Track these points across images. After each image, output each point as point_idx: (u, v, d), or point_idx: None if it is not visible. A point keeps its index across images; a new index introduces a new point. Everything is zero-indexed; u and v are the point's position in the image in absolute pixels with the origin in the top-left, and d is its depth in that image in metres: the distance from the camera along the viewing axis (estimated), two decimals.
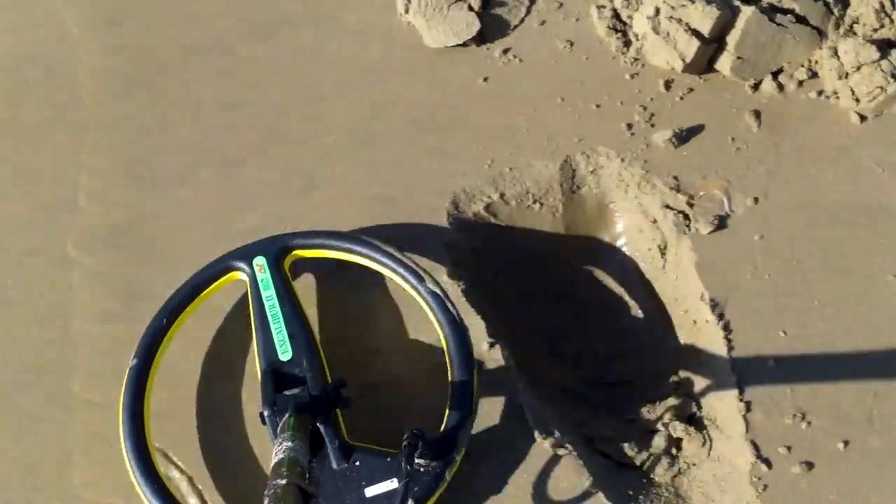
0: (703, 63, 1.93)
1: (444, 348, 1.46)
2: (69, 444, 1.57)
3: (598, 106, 1.91)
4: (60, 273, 1.80)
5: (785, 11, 1.91)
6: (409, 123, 1.95)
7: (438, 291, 1.50)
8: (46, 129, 2.08)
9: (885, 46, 1.87)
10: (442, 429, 1.35)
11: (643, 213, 1.82)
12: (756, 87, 1.92)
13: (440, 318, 1.48)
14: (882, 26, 1.92)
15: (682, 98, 1.92)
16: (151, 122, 2.04)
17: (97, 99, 2.11)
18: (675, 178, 1.78)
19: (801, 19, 1.91)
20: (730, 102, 1.90)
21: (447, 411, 1.37)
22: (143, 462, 1.37)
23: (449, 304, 1.49)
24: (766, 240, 1.68)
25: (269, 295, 1.52)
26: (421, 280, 1.52)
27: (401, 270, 1.55)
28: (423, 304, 1.52)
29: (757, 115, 1.87)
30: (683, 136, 1.84)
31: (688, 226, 1.73)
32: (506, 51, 2.04)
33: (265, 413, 1.29)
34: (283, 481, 1.05)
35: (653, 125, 1.87)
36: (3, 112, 2.13)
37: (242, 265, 1.58)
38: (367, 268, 1.61)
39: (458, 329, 1.46)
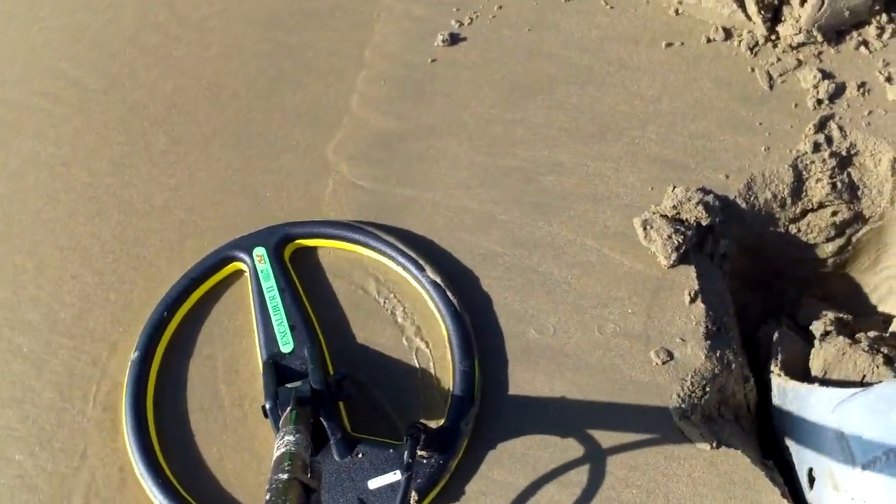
0: None
1: (446, 338, 1.45)
2: None
3: None
4: (316, 178, 1.74)
5: None
6: None
7: (439, 281, 1.49)
8: (335, 18, 1.99)
9: None
10: (444, 419, 1.35)
11: None
12: None
13: (441, 308, 1.47)
14: None
15: None
16: (446, 28, 1.93)
17: None
18: None
19: None
20: None
21: (449, 401, 1.37)
22: (147, 454, 1.36)
23: (450, 294, 1.48)
24: None
25: (270, 286, 1.51)
26: (422, 269, 1.51)
27: (401, 260, 1.54)
28: (423, 293, 1.51)
29: None
30: None
31: None
32: None
33: (267, 406, 1.29)
34: (285, 476, 1.03)
35: None
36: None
37: (243, 256, 1.57)
38: (367, 257, 1.60)
39: (459, 319, 1.45)
